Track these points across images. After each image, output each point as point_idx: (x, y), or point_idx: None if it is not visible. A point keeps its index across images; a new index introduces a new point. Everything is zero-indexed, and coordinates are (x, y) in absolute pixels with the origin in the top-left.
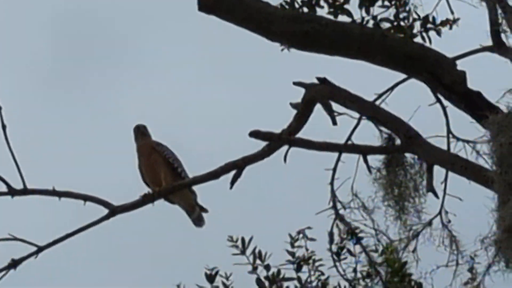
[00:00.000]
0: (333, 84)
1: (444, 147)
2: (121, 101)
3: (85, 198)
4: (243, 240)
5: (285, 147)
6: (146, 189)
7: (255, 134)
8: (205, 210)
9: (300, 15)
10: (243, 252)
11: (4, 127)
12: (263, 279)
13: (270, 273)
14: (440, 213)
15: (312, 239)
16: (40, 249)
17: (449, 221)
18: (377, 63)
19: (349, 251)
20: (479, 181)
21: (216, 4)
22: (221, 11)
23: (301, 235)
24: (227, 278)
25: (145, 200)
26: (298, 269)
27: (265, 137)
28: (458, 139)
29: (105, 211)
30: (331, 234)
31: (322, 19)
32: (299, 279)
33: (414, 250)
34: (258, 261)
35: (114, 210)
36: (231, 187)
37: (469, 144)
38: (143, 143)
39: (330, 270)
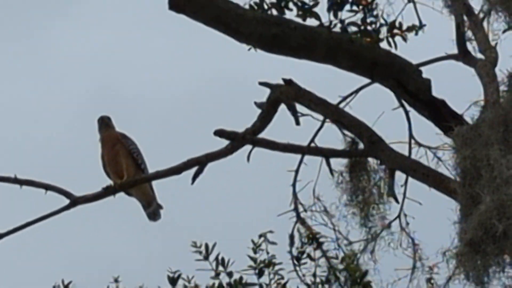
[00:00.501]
0: (299, 86)
1: (407, 152)
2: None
3: (47, 187)
4: (206, 246)
5: (248, 146)
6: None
7: (219, 133)
8: (160, 207)
9: (269, 18)
10: (206, 258)
11: None
12: (225, 285)
13: (233, 279)
14: (399, 216)
15: (273, 243)
16: (0, 236)
17: (407, 224)
18: (343, 68)
19: (309, 256)
20: (440, 189)
21: (186, 4)
22: (191, 11)
23: (262, 239)
24: (189, 281)
25: (107, 192)
26: (260, 275)
27: (230, 136)
28: (420, 145)
29: (66, 201)
30: (291, 237)
31: (291, 22)
32: (260, 286)
33: (372, 252)
34: (220, 267)
35: (75, 201)
36: (192, 183)
37: (430, 151)
38: (107, 134)
39: (290, 274)
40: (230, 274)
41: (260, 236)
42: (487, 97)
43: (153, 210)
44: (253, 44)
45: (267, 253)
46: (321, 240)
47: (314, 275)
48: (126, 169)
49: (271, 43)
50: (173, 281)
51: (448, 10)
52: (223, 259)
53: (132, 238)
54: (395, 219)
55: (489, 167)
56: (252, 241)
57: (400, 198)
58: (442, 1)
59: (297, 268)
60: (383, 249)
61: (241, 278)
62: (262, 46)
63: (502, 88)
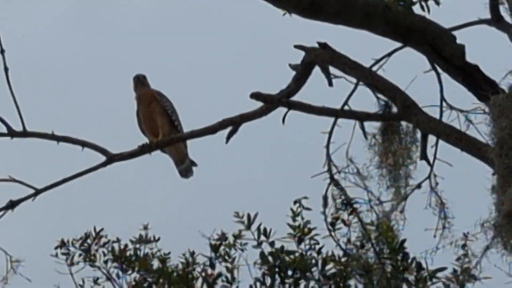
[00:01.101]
0: (334, 49)
1: (438, 114)
2: None
3: (83, 144)
4: (249, 216)
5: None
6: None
7: (256, 96)
8: (194, 164)
9: None
10: (248, 228)
11: (6, 69)
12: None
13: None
14: (429, 176)
15: (308, 209)
16: (38, 191)
17: (437, 184)
18: (378, 34)
19: (343, 221)
20: (473, 153)
21: None
22: None
23: (297, 205)
24: (230, 248)
25: (143, 150)
26: (300, 242)
27: (266, 99)
28: (451, 107)
29: (103, 158)
30: (325, 198)
31: None
32: (302, 255)
33: (402, 211)
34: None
35: (111, 158)
36: (226, 142)
37: (462, 114)
38: (143, 92)
39: (324, 239)
40: (272, 244)
41: (295, 202)
42: None
43: (185, 168)
44: (290, 10)
45: (302, 218)
46: (355, 205)
47: (349, 240)
48: (161, 127)
49: (309, 10)
50: (215, 248)
51: None
52: (265, 229)
53: (165, 194)
54: (425, 179)
55: None
56: (291, 209)
57: (430, 159)
58: None
59: (332, 234)
60: (413, 210)
61: (282, 247)
62: (299, 12)
63: None
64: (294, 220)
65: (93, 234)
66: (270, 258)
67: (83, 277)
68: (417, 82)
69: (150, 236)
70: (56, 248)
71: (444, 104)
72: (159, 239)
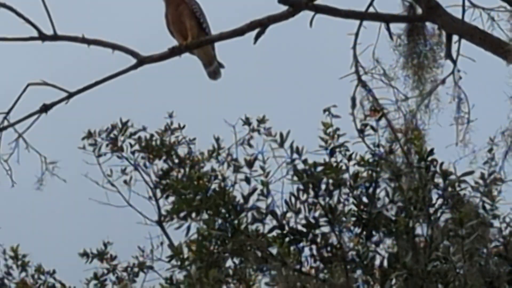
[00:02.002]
0: None
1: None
2: None
3: (114, 46)
4: (281, 134)
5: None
6: (172, 40)
7: (284, 1)
8: (222, 66)
9: None
10: (281, 145)
11: None
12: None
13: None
14: (453, 72)
15: (337, 116)
16: (71, 94)
17: (460, 78)
18: None
19: (372, 127)
20: (496, 52)
21: None
22: None
23: (326, 113)
24: (264, 162)
25: (173, 52)
26: (332, 154)
27: (293, 3)
28: (474, 5)
29: (133, 61)
30: (353, 99)
31: None
32: (334, 167)
33: (427, 106)
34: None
35: (142, 60)
36: (254, 43)
37: (485, 11)
38: None
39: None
40: (305, 162)
41: (324, 111)
42: None
43: (213, 69)
44: None
45: (331, 125)
46: (384, 109)
47: (378, 145)
48: (190, 29)
49: None
50: (250, 163)
51: None
52: (297, 147)
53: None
54: (449, 75)
55: None
56: (323, 122)
57: (454, 55)
58: None
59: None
60: (438, 106)
61: (314, 163)
62: None
63: None
64: (325, 133)
65: (120, 125)
66: (304, 175)
67: (111, 166)
68: None
69: (175, 124)
70: (83, 139)
71: (466, 3)
72: (184, 126)
